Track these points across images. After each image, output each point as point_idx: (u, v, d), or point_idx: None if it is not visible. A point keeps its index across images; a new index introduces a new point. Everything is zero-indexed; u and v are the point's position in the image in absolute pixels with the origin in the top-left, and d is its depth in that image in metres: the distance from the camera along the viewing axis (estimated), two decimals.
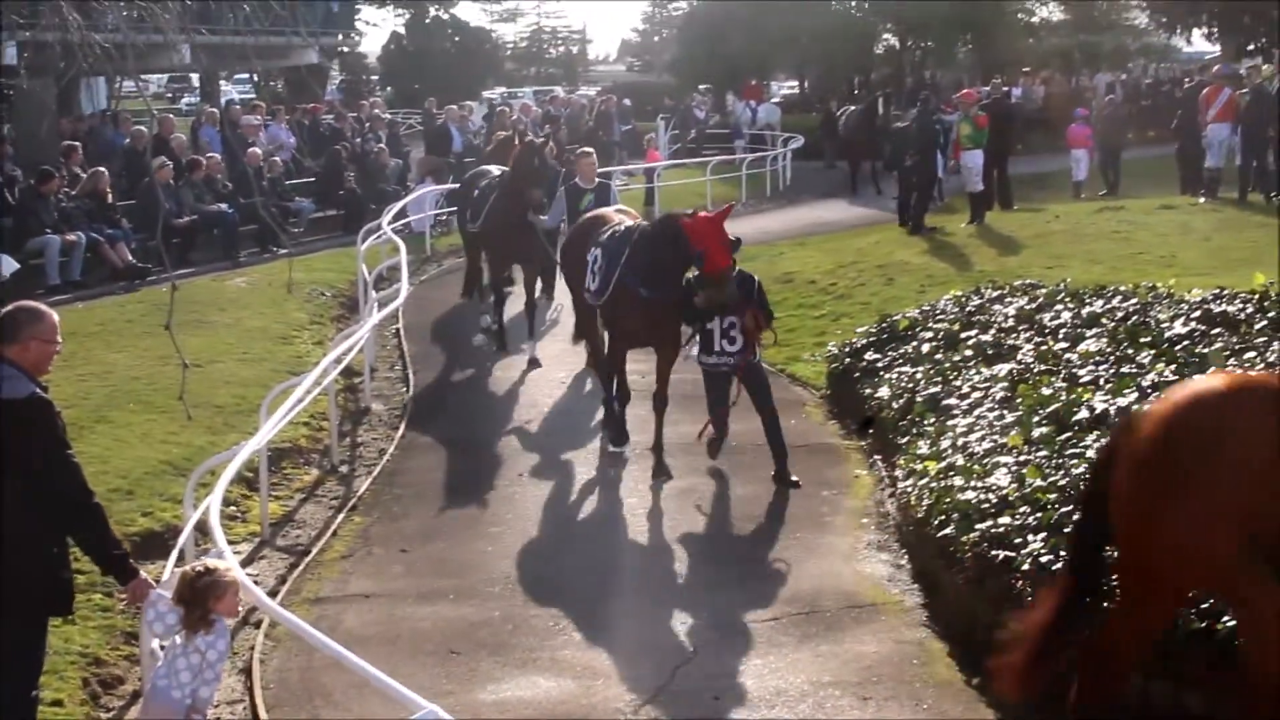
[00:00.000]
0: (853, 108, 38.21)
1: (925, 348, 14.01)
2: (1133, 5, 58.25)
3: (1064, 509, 8.86)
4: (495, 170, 18.93)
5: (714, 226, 11.79)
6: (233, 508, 11.95)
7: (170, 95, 60.69)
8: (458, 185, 23.59)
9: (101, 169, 23.31)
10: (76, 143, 24.57)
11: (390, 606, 10.05)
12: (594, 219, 14.01)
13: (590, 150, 17.81)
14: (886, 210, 29.22)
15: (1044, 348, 12.80)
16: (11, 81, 25.79)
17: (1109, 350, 12.16)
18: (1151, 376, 11.06)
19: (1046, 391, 11.27)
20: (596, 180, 17.02)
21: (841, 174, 37.88)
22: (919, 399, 12.62)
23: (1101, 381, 11.35)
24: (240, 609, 7.46)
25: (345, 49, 48.09)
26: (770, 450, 12.50)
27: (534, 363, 17.26)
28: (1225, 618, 7.34)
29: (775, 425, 12.53)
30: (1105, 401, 10.64)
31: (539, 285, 18.46)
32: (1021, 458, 10.05)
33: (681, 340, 13.00)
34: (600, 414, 14.28)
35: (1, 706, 7.04)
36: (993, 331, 13.77)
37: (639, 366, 14.19)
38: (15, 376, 6.79)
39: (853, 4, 54.93)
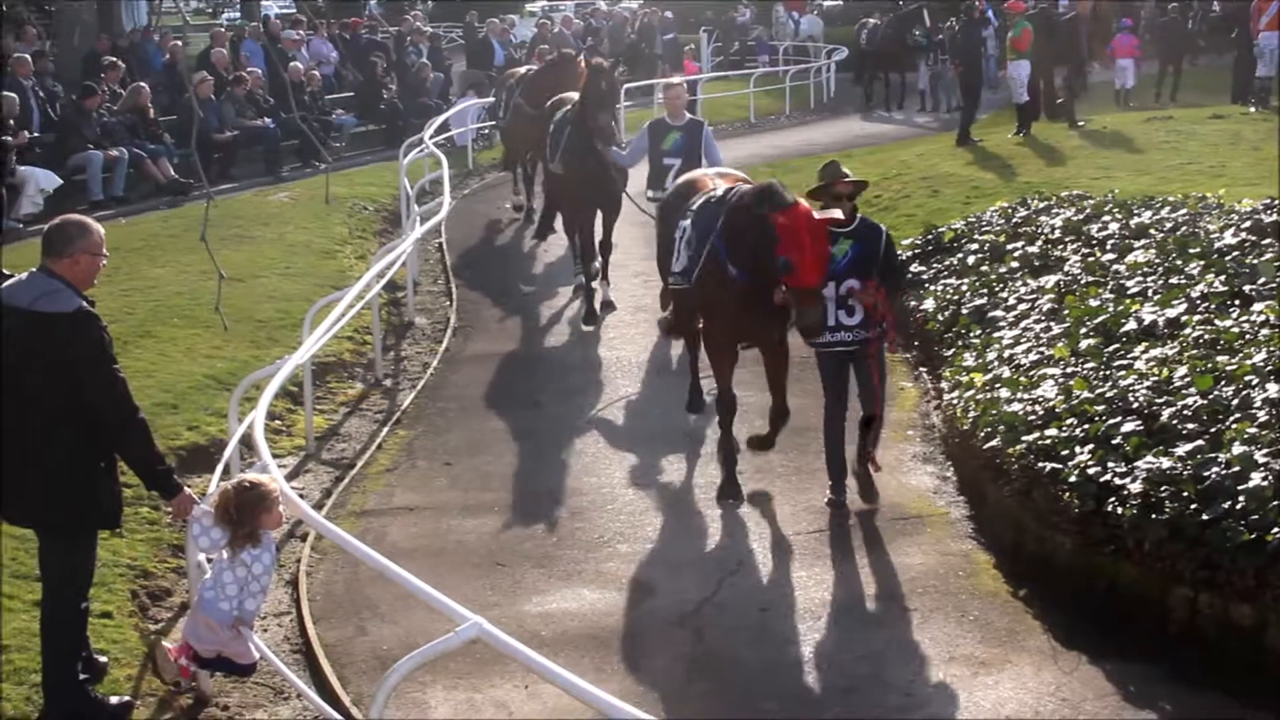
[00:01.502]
0: (873, 21, 37.57)
1: (971, 259, 13.89)
2: None
3: (1111, 421, 8.80)
4: (573, 98, 15.84)
5: (812, 231, 9.06)
6: (277, 422, 11.99)
7: (210, 10, 60.44)
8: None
9: (142, 84, 23.22)
10: (117, 59, 24.47)
11: (435, 519, 10.09)
12: (687, 185, 11.22)
13: (678, 81, 15.85)
14: (934, 123, 29.00)
15: (1091, 259, 12.68)
16: None
17: (1157, 261, 12.04)
18: (1200, 288, 10.97)
19: (1094, 303, 11.18)
20: (687, 117, 14.54)
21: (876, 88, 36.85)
22: (965, 311, 12.53)
23: (1150, 293, 11.26)
24: (285, 522, 7.47)
25: None
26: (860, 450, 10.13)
27: (609, 305, 15.60)
28: (1274, 529, 7.28)
29: (877, 433, 10.14)
30: (1153, 313, 10.56)
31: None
32: (1068, 370, 9.98)
33: (787, 336, 10.23)
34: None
35: (53, 618, 7.11)
36: (1039, 243, 13.64)
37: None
38: (61, 290, 6.81)
39: None
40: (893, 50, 34.98)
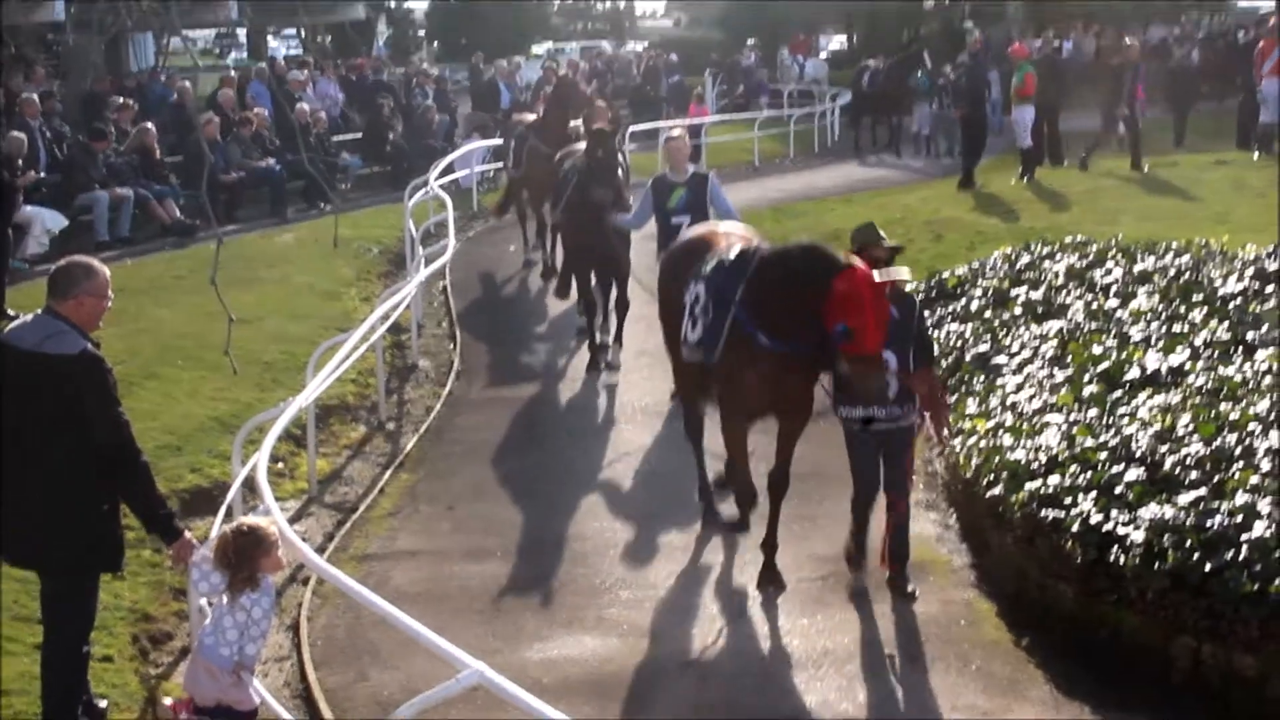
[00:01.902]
0: (872, 63, 37.31)
1: (974, 305, 13.90)
2: None
3: (1114, 469, 8.79)
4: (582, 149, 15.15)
5: (874, 294, 8.35)
6: (280, 464, 11.99)
7: (217, 51, 60.73)
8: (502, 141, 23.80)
9: (148, 125, 23.29)
10: (127, 99, 24.57)
11: (437, 564, 10.07)
12: (693, 244, 10.35)
13: (680, 133, 14.60)
14: (931, 168, 29.05)
15: (1095, 305, 12.69)
16: (60, 38, 25.84)
17: (1161, 308, 12.06)
18: (1204, 335, 10.98)
19: (1097, 350, 11.18)
20: (690, 170, 13.63)
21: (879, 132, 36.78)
22: (968, 357, 12.52)
23: (1153, 340, 11.26)
24: (287, 566, 7.46)
25: (392, 4, 47.99)
26: (888, 549, 9.42)
27: (611, 366, 14.89)
28: (1278, 579, 7.27)
29: (903, 528, 9.43)
30: (1157, 360, 10.56)
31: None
32: (1072, 417, 9.97)
33: (813, 403, 9.50)
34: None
35: (53, 662, 7.10)
36: (1043, 289, 13.65)
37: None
38: (66, 332, 6.83)
39: None
40: (894, 93, 34.81)
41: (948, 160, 31.14)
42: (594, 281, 15.07)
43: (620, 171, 14.88)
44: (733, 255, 9.46)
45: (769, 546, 9.48)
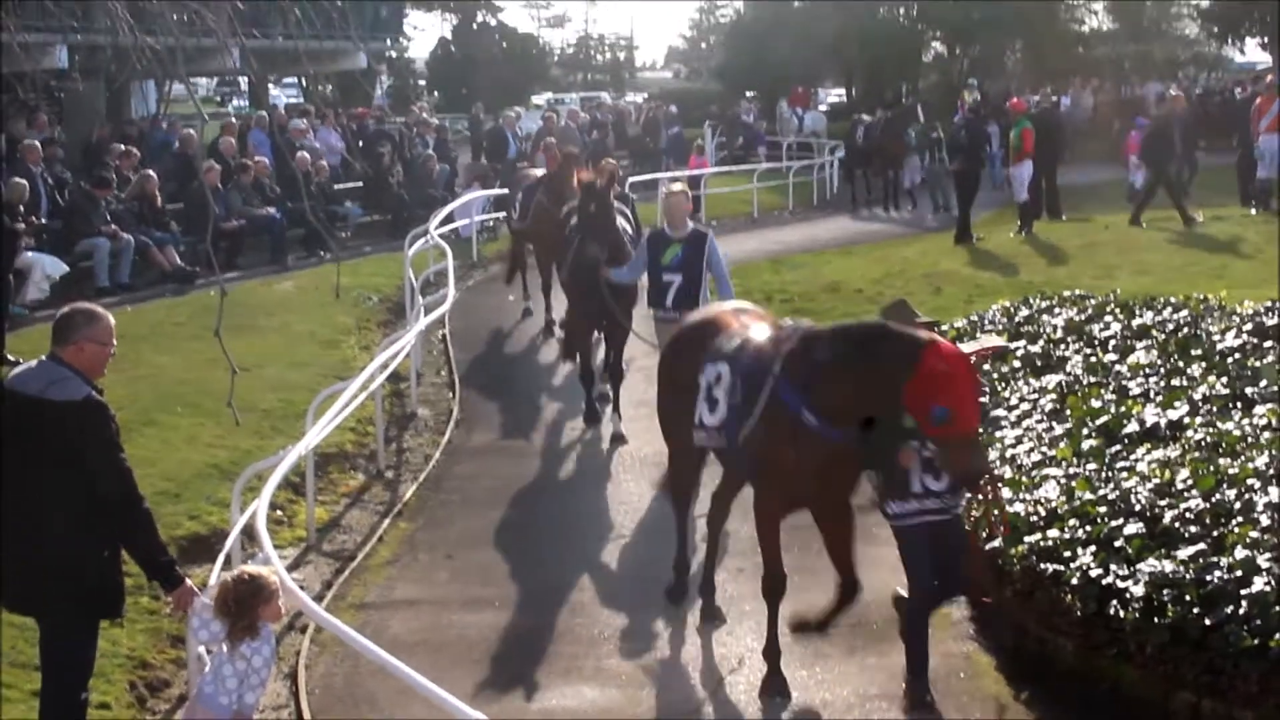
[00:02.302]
0: (866, 118, 37.24)
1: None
2: (1184, 14, 57.80)
3: (1114, 522, 8.79)
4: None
5: (968, 373, 7.70)
6: (278, 512, 11.98)
7: (219, 99, 60.96)
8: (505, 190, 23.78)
9: (150, 172, 23.39)
10: (129, 146, 24.68)
11: (436, 613, 10.06)
12: (704, 324, 9.46)
13: (680, 188, 14.04)
14: (925, 222, 29.17)
15: (1093, 359, 12.71)
16: (63, 85, 25.93)
17: (1159, 363, 12.07)
18: (1203, 390, 10.99)
19: (1096, 404, 11.18)
20: (690, 227, 13.28)
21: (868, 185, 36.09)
22: None
23: (1152, 394, 11.27)
24: (285, 614, 7.46)
25: (393, 53, 48.19)
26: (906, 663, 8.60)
27: (619, 438, 14.09)
28: (1278, 635, 7.27)
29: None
30: (1156, 414, 10.57)
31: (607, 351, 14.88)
32: (1071, 470, 9.97)
33: (855, 498, 8.69)
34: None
35: (52, 708, 7.09)
36: (1041, 342, 13.66)
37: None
38: (69, 378, 6.85)
39: (900, 10, 54.73)
40: (888, 147, 34.58)
41: (944, 214, 31.12)
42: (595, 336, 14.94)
43: (626, 222, 14.75)
44: (763, 333, 8.84)
45: (772, 654, 8.69)
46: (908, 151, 34.03)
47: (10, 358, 15.13)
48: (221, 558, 8.84)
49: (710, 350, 8.93)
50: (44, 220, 20.99)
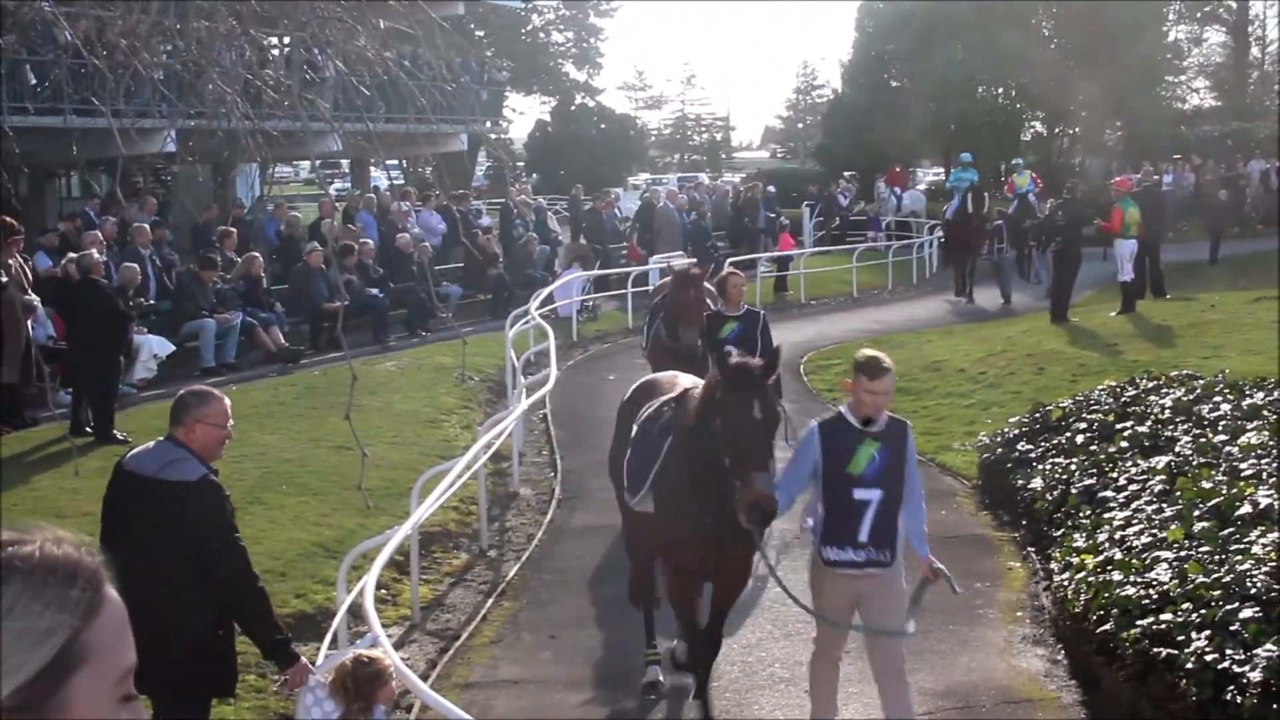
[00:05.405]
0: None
1: (1079, 438, 13.79)
2: None
3: (1229, 606, 8.65)
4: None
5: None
6: (383, 590, 12.02)
7: (318, 181, 61.84)
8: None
9: (255, 254, 23.80)
10: (232, 229, 25.11)
11: (539, 693, 10.05)
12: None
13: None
14: (1032, 301, 28.98)
15: (1203, 440, 12.55)
16: (172, 168, 26.49)
17: (1271, 443, 11.90)
18: None
19: (1207, 485, 11.04)
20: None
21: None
22: (1074, 490, 12.41)
23: (1265, 475, 11.10)
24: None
25: (493, 135, 48.74)
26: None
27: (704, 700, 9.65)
28: None
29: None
30: (1269, 496, 10.40)
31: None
32: (1182, 552, 9.83)
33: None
34: None
35: None
36: (1149, 423, 13.53)
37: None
38: (186, 459, 6.94)
39: (999, 91, 54.63)
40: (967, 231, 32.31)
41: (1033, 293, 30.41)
42: None
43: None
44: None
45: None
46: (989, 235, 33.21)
47: (119, 435, 15.42)
48: (329, 636, 8.90)
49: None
50: (152, 301, 21.37)
